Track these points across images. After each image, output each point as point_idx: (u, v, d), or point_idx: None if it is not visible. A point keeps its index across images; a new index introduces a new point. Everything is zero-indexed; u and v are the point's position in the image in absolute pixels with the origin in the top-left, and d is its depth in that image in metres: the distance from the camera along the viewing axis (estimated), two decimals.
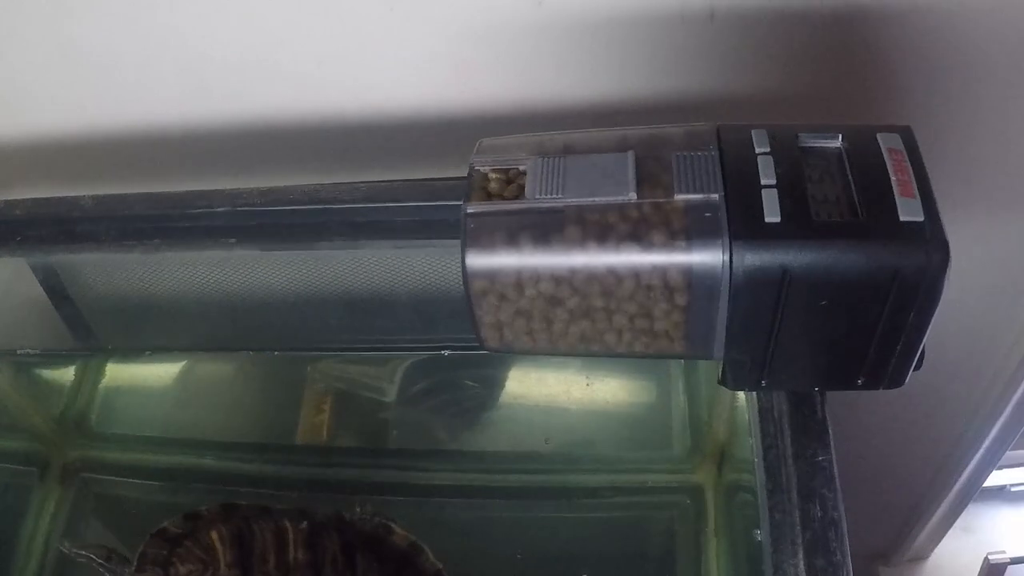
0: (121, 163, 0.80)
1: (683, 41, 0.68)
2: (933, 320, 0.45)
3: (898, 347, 0.47)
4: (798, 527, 0.48)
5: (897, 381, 0.49)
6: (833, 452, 0.50)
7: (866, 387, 0.50)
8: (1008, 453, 1.19)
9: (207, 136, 0.77)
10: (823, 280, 0.44)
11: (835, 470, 0.50)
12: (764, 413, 0.53)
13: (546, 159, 0.49)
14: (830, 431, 0.51)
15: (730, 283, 0.44)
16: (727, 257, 0.44)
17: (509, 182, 0.49)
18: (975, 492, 1.29)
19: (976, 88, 0.71)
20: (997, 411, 1.09)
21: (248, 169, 0.80)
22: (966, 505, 1.34)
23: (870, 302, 0.44)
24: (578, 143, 0.50)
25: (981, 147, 0.76)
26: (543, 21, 0.67)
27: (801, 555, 0.48)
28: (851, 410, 1.09)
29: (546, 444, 0.80)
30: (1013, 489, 1.55)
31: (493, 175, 0.49)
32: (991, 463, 1.21)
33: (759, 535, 0.57)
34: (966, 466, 1.21)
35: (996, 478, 1.40)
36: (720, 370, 0.51)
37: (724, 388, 0.53)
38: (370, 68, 0.71)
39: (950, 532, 1.46)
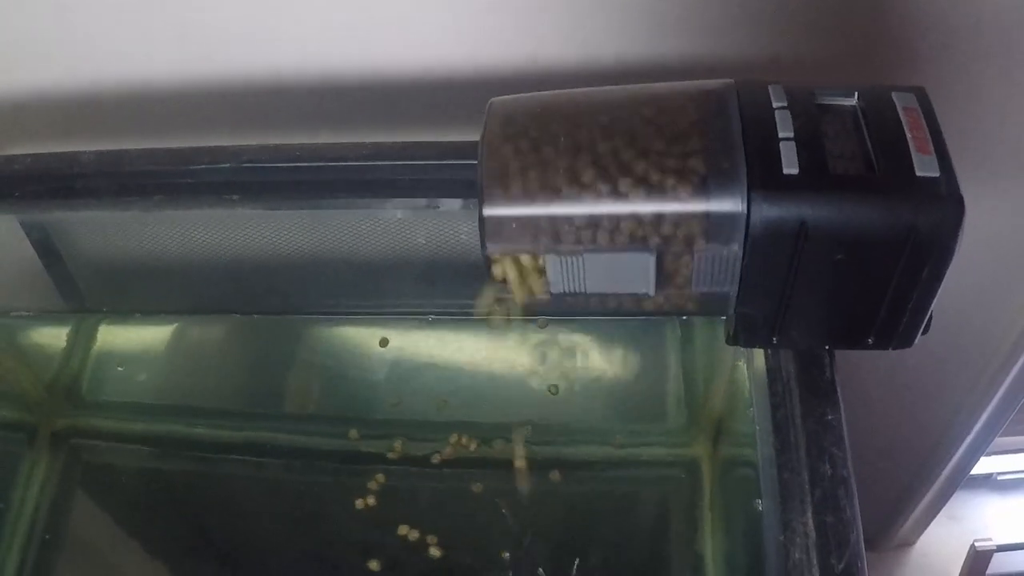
0: (122, 120, 0.79)
1: (693, 3, 0.67)
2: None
3: (910, 305, 0.47)
4: (807, 485, 0.48)
5: (906, 341, 0.50)
6: (843, 411, 0.50)
7: (876, 347, 0.50)
8: (996, 440, 1.20)
9: (209, 95, 0.76)
10: (840, 233, 0.44)
11: (844, 429, 0.50)
12: (772, 373, 0.53)
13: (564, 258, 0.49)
14: (839, 390, 0.51)
15: (747, 234, 0.44)
16: (745, 208, 0.43)
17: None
18: (963, 479, 1.30)
19: (988, 57, 0.71)
20: (988, 396, 1.09)
21: (250, 130, 0.79)
22: (953, 492, 1.35)
23: (885, 256, 0.44)
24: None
25: (988, 116, 0.76)
26: None
27: (810, 513, 0.48)
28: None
29: (553, 394, 0.80)
30: (1000, 477, 1.57)
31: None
32: (979, 450, 1.21)
33: (759, 504, 0.57)
34: (955, 453, 1.22)
35: (983, 466, 1.41)
36: (729, 329, 0.51)
37: (720, 361, 0.53)
38: (376, 27, 0.70)
39: (937, 519, 1.47)
